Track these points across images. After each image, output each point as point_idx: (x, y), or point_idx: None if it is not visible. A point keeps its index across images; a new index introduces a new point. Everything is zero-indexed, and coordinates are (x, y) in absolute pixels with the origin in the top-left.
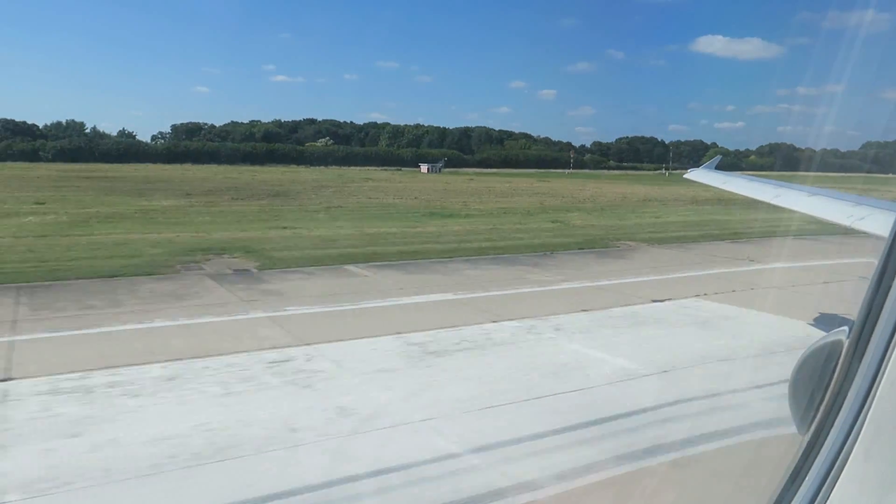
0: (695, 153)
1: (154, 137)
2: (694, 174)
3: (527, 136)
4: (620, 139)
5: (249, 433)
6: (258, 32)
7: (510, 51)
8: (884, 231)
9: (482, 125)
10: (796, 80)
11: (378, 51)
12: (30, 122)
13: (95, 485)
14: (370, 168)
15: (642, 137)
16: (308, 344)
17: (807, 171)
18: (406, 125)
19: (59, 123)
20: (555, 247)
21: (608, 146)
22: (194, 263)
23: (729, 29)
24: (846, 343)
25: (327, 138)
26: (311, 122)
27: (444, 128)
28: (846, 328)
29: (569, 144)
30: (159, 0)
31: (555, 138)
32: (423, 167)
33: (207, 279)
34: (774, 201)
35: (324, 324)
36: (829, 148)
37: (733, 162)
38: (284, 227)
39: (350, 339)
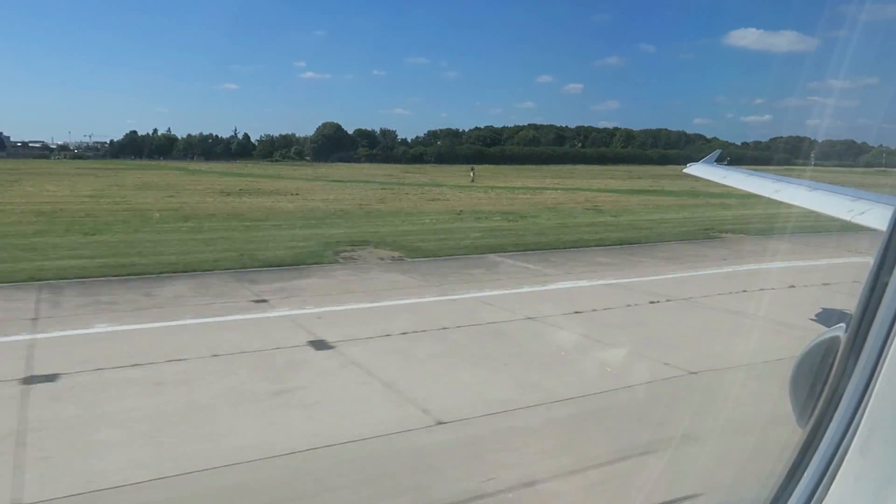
0: (848, 152)
1: (413, 143)
2: (693, 168)
3: (701, 137)
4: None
5: None
6: (293, 30)
7: (540, 46)
8: (884, 226)
9: (514, 123)
10: (833, 73)
11: (408, 47)
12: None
13: None
14: (646, 167)
15: (783, 137)
16: None
17: None
18: (636, 130)
19: (371, 132)
20: None
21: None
22: None
23: (763, 22)
24: (843, 339)
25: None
26: (519, 128)
27: (659, 129)
28: (843, 324)
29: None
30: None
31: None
32: None
33: None
34: (774, 196)
35: None
36: None
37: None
38: None
39: None
